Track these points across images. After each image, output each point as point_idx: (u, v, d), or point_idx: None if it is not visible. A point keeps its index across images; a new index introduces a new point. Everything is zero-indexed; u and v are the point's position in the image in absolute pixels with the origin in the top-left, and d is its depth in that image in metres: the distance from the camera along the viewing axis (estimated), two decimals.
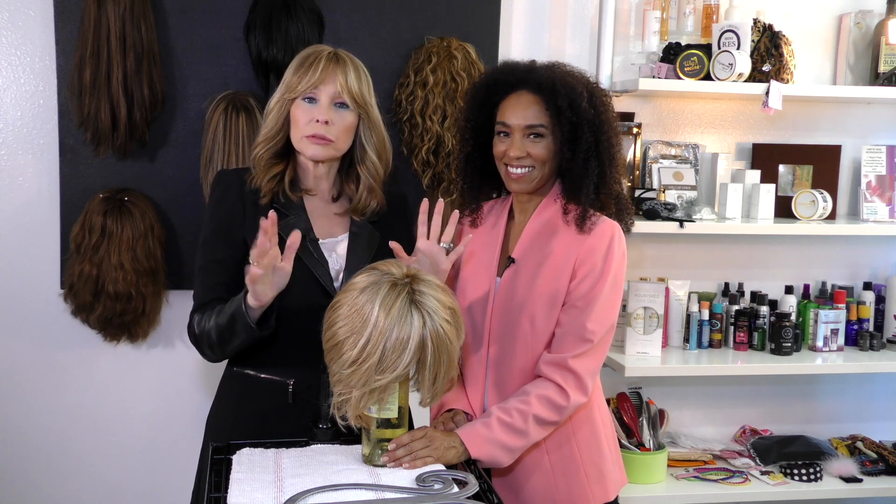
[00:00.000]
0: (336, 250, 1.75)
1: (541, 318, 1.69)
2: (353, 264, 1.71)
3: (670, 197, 2.68)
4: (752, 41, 2.63)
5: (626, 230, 1.77)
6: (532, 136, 1.69)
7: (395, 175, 1.88)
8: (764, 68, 2.63)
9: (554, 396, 1.64)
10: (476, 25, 2.59)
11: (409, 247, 1.70)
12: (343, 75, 1.69)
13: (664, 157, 2.78)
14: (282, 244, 1.54)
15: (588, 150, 1.67)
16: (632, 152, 2.66)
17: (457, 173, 1.87)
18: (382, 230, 1.79)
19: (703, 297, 2.79)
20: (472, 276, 1.80)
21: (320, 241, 1.73)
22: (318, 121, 1.67)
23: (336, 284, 1.71)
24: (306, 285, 1.68)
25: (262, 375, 1.74)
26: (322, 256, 1.72)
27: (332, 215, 1.78)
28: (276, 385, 1.73)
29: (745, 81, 2.61)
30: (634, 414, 2.66)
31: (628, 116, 2.70)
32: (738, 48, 2.56)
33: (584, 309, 1.66)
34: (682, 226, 2.56)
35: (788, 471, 2.70)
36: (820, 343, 2.79)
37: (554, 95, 1.66)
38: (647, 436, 2.65)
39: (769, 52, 2.64)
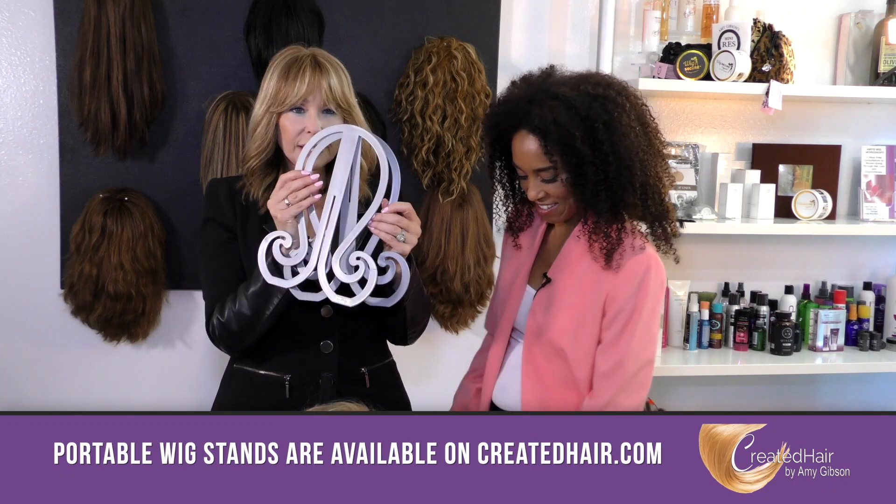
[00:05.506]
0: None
1: (570, 350, 1.65)
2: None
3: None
4: (752, 41, 2.63)
5: (667, 249, 1.68)
6: (543, 178, 1.63)
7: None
8: (764, 68, 2.63)
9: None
10: (476, 25, 2.58)
11: None
12: (327, 82, 1.68)
13: None
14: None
15: (597, 183, 1.58)
16: None
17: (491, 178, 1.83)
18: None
19: (703, 297, 2.79)
20: (510, 282, 1.80)
21: (309, 239, 1.74)
22: (309, 132, 1.67)
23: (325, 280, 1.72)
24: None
25: (260, 372, 1.75)
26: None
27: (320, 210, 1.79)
28: (272, 381, 1.74)
29: (745, 81, 2.61)
30: None
31: None
32: (738, 48, 2.56)
33: (617, 349, 1.62)
34: (682, 226, 2.55)
35: None
36: (820, 343, 2.79)
37: (549, 139, 1.58)
38: None
39: (769, 52, 2.64)
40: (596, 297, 1.63)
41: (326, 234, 1.56)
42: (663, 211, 1.67)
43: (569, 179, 1.60)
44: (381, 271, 1.59)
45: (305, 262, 1.57)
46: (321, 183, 1.57)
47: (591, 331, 1.64)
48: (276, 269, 1.59)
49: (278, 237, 1.57)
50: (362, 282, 1.56)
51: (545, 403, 1.68)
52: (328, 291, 1.56)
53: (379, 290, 1.61)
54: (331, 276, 1.56)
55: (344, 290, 1.59)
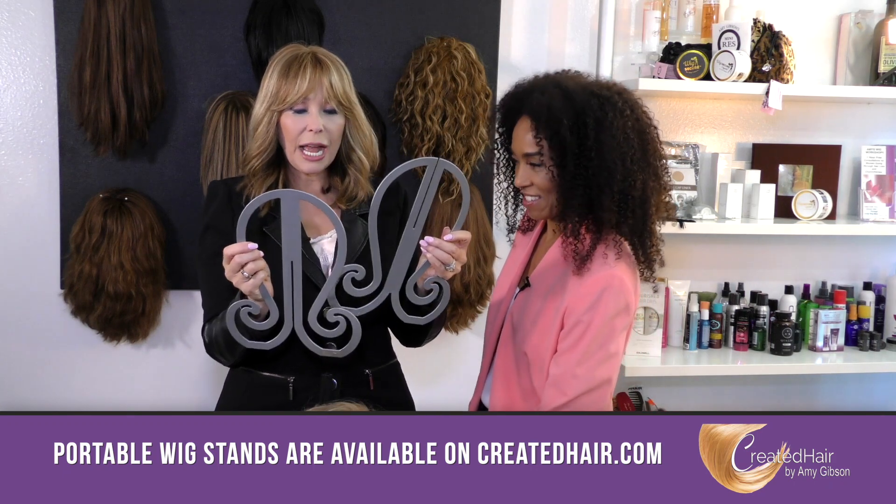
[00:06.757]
0: (325, 248, 1.75)
1: (532, 356, 1.64)
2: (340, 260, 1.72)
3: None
4: (752, 41, 2.63)
5: (647, 276, 1.63)
6: (532, 164, 1.61)
7: (384, 171, 1.88)
8: (764, 68, 2.63)
9: None
10: (476, 25, 2.59)
11: (401, 230, 1.69)
12: (328, 80, 1.67)
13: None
14: (271, 245, 1.59)
15: (576, 177, 1.55)
16: None
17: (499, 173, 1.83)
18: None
19: (703, 297, 2.79)
20: (504, 282, 1.81)
21: (311, 240, 1.74)
22: (310, 130, 1.66)
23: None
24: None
25: (264, 374, 1.75)
26: (314, 255, 1.73)
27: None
28: (276, 383, 1.74)
29: (745, 81, 2.61)
30: None
31: None
32: (738, 48, 2.56)
33: (568, 361, 1.58)
34: (682, 226, 2.56)
35: None
36: (820, 343, 2.79)
37: (539, 122, 1.57)
38: None
39: (769, 52, 2.64)
40: (559, 305, 1.60)
41: (296, 302, 1.54)
42: (644, 230, 1.61)
43: (553, 168, 1.58)
44: (424, 293, 1.60)
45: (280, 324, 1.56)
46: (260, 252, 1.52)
47: (551, 339, 1.61)
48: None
49: (245, 306, 1.54)
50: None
51: (510, 409, 1.67)
52: (318, 350, 1.60)
53: (415, 309, 1.61)
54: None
55: (412, 309, 1.61)
